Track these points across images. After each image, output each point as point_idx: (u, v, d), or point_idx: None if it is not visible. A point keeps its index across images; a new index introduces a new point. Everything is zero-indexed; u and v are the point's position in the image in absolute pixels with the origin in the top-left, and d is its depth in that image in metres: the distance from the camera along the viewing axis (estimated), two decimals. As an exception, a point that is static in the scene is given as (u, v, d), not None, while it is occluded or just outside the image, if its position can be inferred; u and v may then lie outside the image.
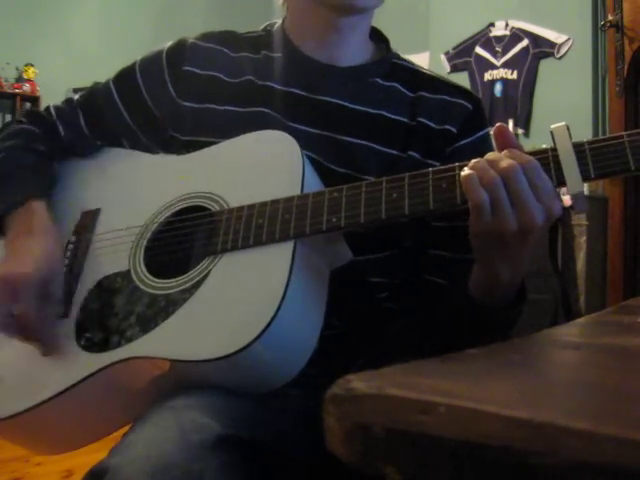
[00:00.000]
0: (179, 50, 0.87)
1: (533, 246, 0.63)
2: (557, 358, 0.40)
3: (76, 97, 0.93)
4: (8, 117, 4.76)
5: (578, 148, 0.60)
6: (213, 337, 0.63)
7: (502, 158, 0.60)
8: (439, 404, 0.25)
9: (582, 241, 3.13)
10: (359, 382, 0.28)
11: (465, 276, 0.71)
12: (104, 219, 0.82)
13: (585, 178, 0.60)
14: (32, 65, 4.71)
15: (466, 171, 0.61)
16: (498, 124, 0.65)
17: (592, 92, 3.69)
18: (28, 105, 4.79)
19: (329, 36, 0.85)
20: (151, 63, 0.88)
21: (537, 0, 3.94)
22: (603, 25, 3.12)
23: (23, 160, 0.86)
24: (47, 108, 0.93)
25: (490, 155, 0.62)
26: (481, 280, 0.69)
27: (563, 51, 3.87)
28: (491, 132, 0.90)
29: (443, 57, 4.40)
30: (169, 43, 0.89)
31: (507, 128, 0.64)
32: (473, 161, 0.62)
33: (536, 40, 3.97)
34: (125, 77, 0.90)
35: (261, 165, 0.75)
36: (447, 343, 0.76)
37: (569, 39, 3.83)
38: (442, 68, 4.28)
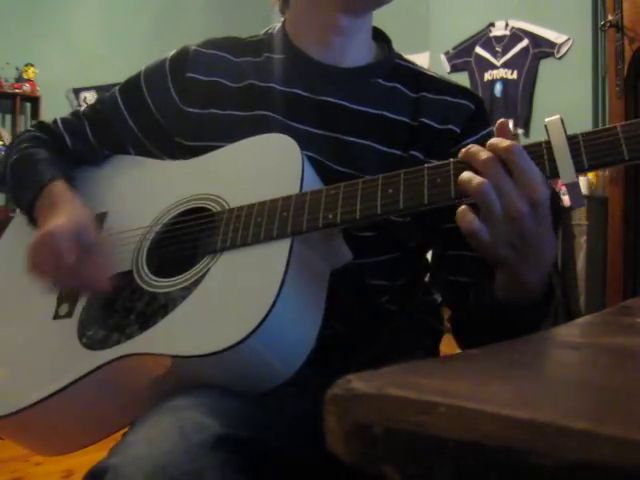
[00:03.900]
0: (182, 58, 0.89)
1: (548, 241, 0.62)
2: (557, 358, 0.40)
3: (82, 109, 0.97)
4: (8, 117, 4.77)
5: (572, 140, 0.60)
6: (209, 333, 0.64)
7: (480, 151, 0.61)
8: (439, 404, 0.25)
9: (582, 241, 3.13)
10: (359, 382, 0.28)
11: (487, 272, 0.71)
12: (110, 222, 0.84)
13: (579, 169, 0.60)
14: (32, 65, 4.71)
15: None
16: (500, 120, 0.65)
17: (592, 92, 3.69)
18: (28, 105, 4.80)
19: (332, 37, 0.86)
20: (155, 72, 0.90)
21: (537, 0, 3.95)
22: (603, 25, 3.12)
23: (38, 155, 0.89)
24: (54, 121, 0.96)
25: (466, 151, 0.62)
26: (503, 281, 0.68)
27: (563, 51, 3.87)
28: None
29: (443, 57, 4.40)
30: (172, 52, 0.91)
31: (507, 125, 0.65)
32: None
33: (536, 40, 3.98)
34: (130, 86, 0.92)
35: (261, 167, 0.76)
36: (481, 340, 0.76)
37: (569, 39, 3.83)
38: (442, 68, 4.28)
